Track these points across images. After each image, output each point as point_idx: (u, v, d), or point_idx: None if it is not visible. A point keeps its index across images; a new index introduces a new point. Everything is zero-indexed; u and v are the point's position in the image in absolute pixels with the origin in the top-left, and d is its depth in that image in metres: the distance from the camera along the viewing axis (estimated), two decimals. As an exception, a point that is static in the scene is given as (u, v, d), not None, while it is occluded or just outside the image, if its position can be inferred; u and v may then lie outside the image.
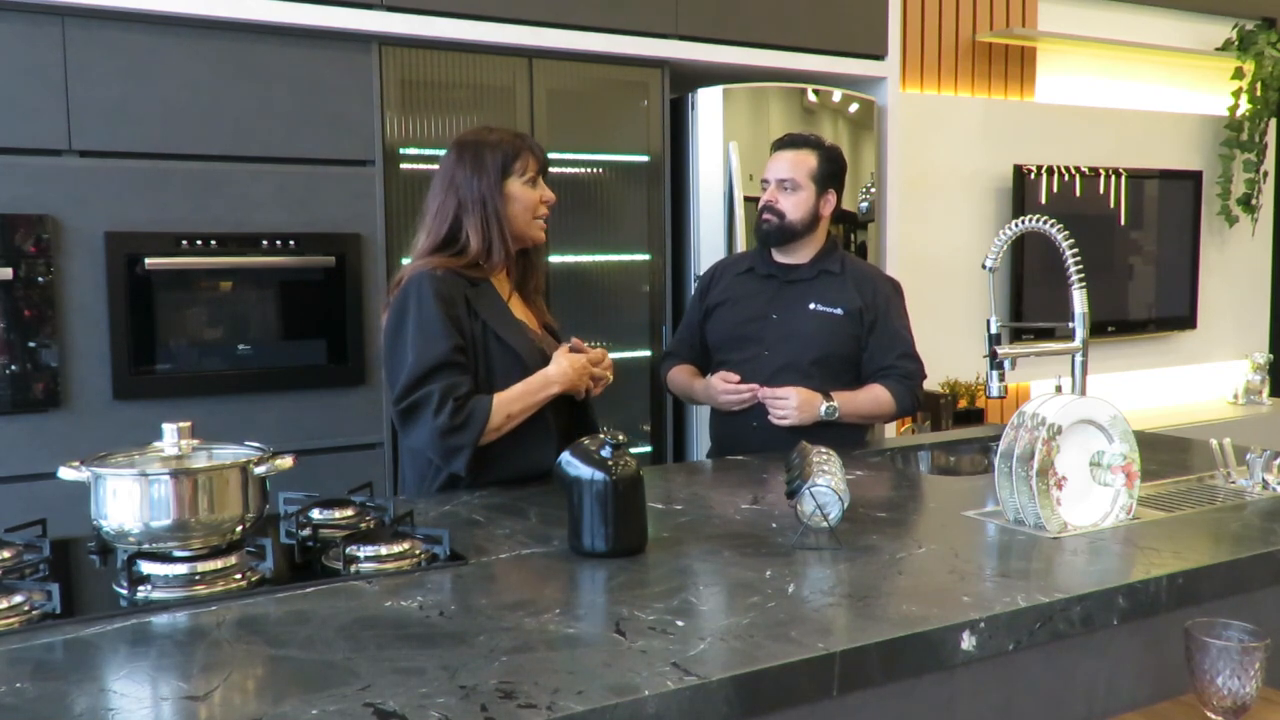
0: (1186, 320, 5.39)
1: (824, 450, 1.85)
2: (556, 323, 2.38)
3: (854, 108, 3.73)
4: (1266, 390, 5.52)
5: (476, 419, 2.04)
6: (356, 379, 3.02)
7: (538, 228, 2.24)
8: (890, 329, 2.61)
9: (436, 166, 2.24)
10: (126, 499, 1.49)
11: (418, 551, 1.63)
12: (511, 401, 2.09)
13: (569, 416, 2.24)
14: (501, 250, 2.16)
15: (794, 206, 2.59)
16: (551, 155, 3.23)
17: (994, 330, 1.95)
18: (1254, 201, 5.41)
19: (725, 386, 2.57)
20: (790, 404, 2.48)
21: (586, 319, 3.36)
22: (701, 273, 2.94)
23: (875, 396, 2.58)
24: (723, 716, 1.17)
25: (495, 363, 2.14)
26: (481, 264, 2.16)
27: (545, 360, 2.20)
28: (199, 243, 2.78)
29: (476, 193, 2.15)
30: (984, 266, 1.96)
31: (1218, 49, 5.35)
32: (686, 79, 3.54)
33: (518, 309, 2.24)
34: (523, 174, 2.19)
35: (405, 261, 2.90)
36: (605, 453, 1.65)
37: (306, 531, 1.72)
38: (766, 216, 2.61)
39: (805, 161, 2.60)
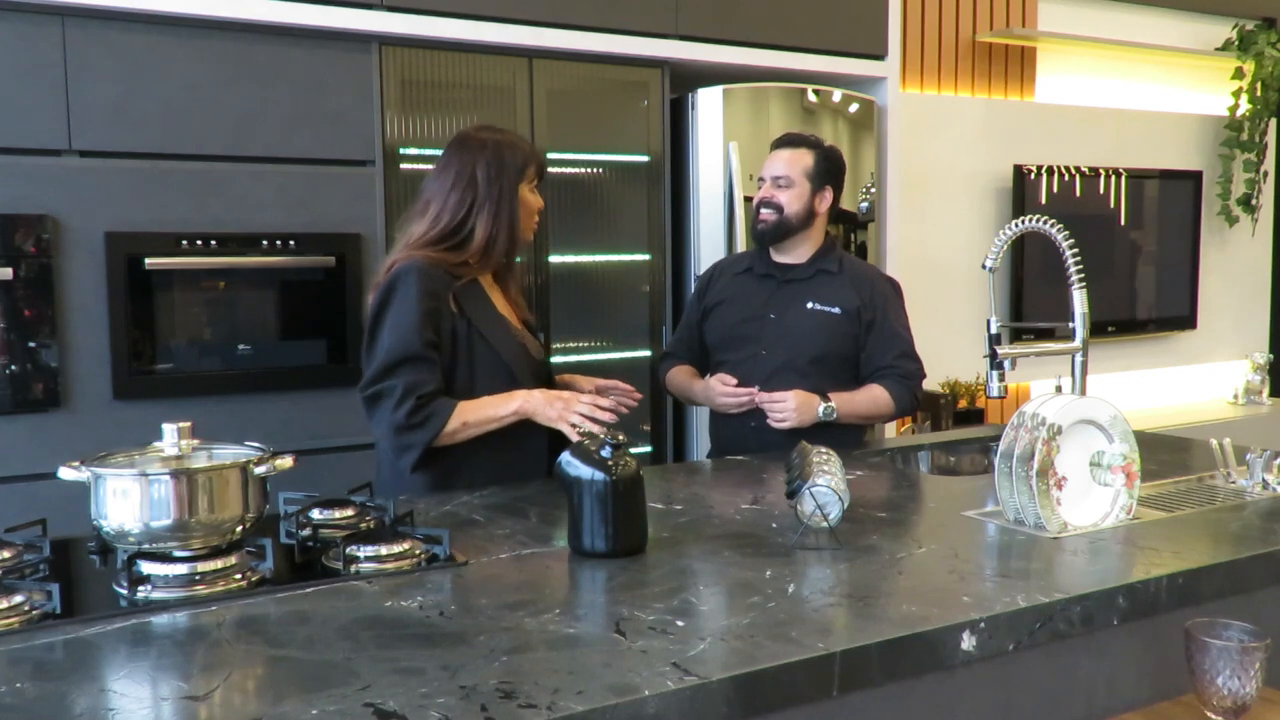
0: (1187, 320, 5.39)
1: (824, 450, 1.86)
2: (534, 316, 2.42)
3: (854, 108, 3.73)
4: (1266, 390, 5.52)
5: (434, 422, 2.06)
6: (356, 379, 2.97)
7: (531, 232, 2.30)
8: (889, 328, 2.61)
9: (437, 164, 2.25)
10: (126, 499, 1.49)
11: (418, 551, 1.63)
12: (471, 410, 2.09)
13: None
14: (504, 249, 2.20)
15: (789, 201, 2.59)
16: (551, 155, 3.26)
17: (994, 330, 1.95)
18: (1254, 201, 5.41)
19: (723, 389, 2.57)
20: (788, 406, 2.48)
21: (586, 319, 3.37)
22: (701, 273, 2.94)
23: (874, 397, 2.58)
24: (723, 716, 1.17)
25: (478, 360, 2.16)
26: (473, 262, 2.18)
27: (527, 357, 2.23)
28: (199, 243, 2.78)
29: (496, 191, 2.18)
30: (984, 266, 1.96)
31: (1218, 49, 5.35)
32: (686, 79, 3.54)
33: (500, 305, 2.27)
34: (531, 180, 2.25)
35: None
36: (605, 453, 1.66)
37: (306, 531, 1.72)
38: (764, 214, 2.62)
39: (801, 160, 2.61)
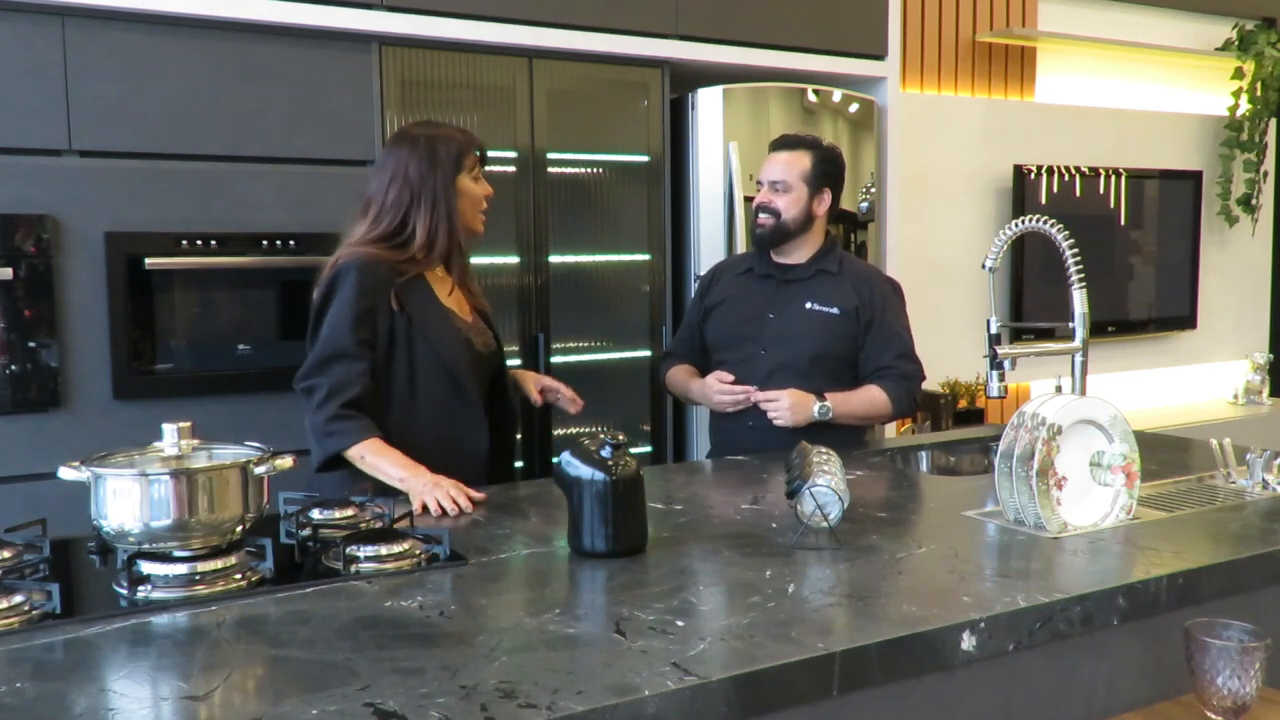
0: (1186, 320, 5.39)
1: (824, 450, 1.86)
2: (489, 307, 2.42)
3: (854, 108, 3.73)
4: (1266, 390, 5.52)
5: (340, 439, 2.05)
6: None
7: (480, 221, 2.29)
8: (888, 329, 2.61)
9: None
10: (126, 499, 1.49)
11: (418, 551, 1.63)
12: (376, 452, 2.04)
13: (491, 400, 2.33)
14: (445, 244, 2.20)
15: (787, 206, 2.59)
16: (551, 155, 3.26)
17: (994, 330, 1.95)
18: (1254, 201, 5.41)
19: (720, 387, 2.57)
20: (782, 405, 2.48)
21: (586, 319, 3.36)
22: (702, 273, 2.94)
23: (871, 397, 2.57)
24: (723, 716, 1.17)
25: (419, 358, 2.18)
26: (418, 258, 2.19)
27: (470, 352, 2.23)
28: (199, 243, 2.78)
29: (431, 187, 2.18)
30: (984, 266, 1.96)
31: (1218, 49, 5.35)
32: (686, 79, 3.54)
33: (449, 299, 2.27)
34: (471, 169, 2.24)
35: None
36: (605, 453, 1.66)
37: (306, 531, 1.72)
38: (761, 219, 2.62)
39: (798, 162, 2.61)
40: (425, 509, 1.93)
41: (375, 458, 2.03)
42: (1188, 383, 5.54)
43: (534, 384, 2.48)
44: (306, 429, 2.11)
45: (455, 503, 1.93)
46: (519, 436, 2.58)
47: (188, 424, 1.61)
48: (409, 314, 2.16)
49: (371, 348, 2.13)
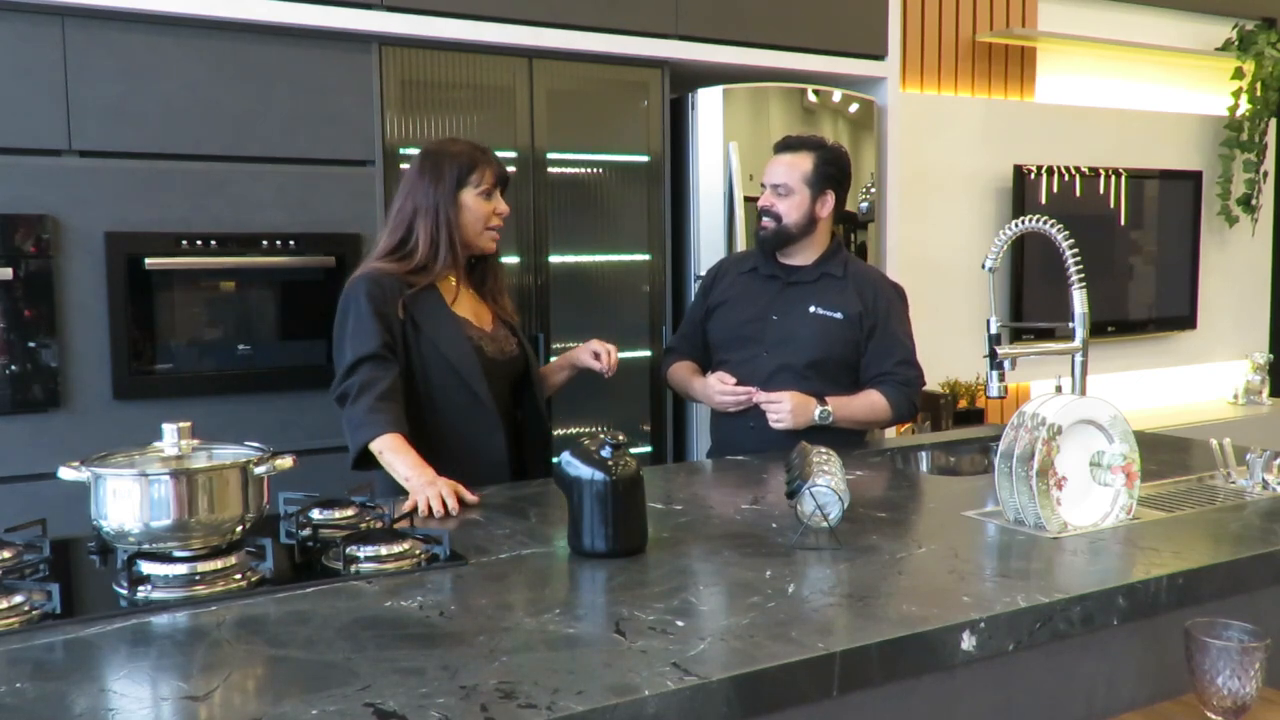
0: (1186, 320, 5.39)
1: (824, 450, 1.85)
2: (516, 317, 2.45)
3: (854, 108, 3.73)
4: (1266, 390, 5.52)
5: (366, 431, 2.08)
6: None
7: (488, 238, 2.33)
8: (890, 335, 2.60)
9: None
10: (126, 499, 1.49)
11: (418, 551, 1.63)
12: (393, 448, 2.05)
13: (513, 401, 2.40)
14: (448, 257, 2.25)
15: (788, 210, 2.59)
16: (551, 155, 3.26)
17: (994, 330, 1.95)
18: (1254, 201, 5.41)
19: (721, 388, 2.57)
20: (784, 408, 2.48)
21: (586, 319, 3.36)
22: (703, 272, 2.94)
23: (871, 402, 2.57)
24: (723, 716, 1.17)
25: (431, 365, 2.23)
26: (428, 267, 2.24)
27: (480, 358, 2.26)
28: (199, 243, 2.78)
29: (431, 200, 2.24)
30: (984, 267, 1.96)
31: (1218, 49, 5.35)
32: (686, 79, 3.54)
33: (466, 308, 2.31)
34: (478, 185, 2.28)
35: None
36: (605, 453, 1.66)
37: (306, 531, 1.73)
38: (765, 222, 2.62)
39: (799, 165, 2.60)
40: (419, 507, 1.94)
41: (392, 454, 2.06)
42: (1188, 383, 5.54)
43: (588, 355, 2.47)
44: (344, 429, 2.14)
45: (444, 503, 1.94)
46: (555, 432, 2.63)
47: (188, 424, 1.61)
48: (417, 323, 2.22)
49: (392, 349, 2.18)
